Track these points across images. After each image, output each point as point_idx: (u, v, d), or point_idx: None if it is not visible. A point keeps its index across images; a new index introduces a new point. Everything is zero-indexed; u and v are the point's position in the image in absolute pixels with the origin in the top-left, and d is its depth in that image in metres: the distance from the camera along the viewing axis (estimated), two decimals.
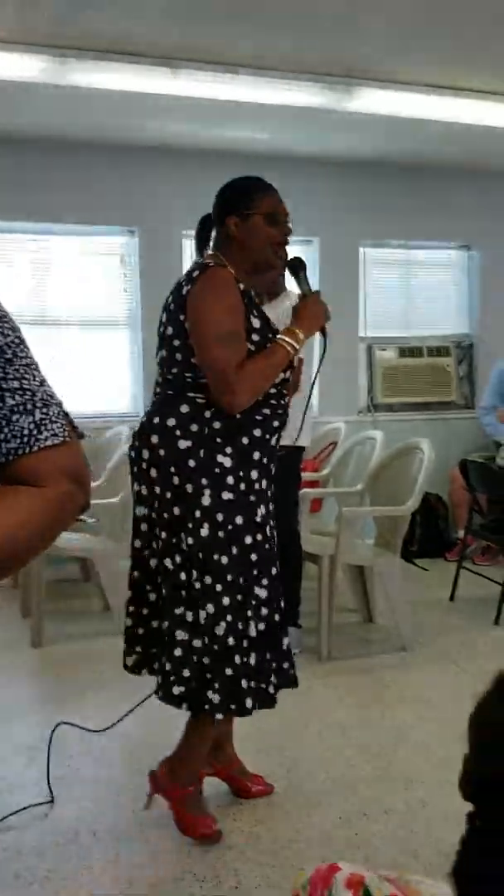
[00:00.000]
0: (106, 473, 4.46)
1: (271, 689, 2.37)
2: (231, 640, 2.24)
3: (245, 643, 2.27)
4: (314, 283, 5.71)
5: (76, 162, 5.10)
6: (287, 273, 2.58)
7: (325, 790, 2.65)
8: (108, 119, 4.63)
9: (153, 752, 2.88)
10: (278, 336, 2.32)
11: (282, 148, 5.22)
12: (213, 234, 2.43)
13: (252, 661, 2.29)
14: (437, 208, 5.82)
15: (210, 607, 2.23)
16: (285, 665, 2.40)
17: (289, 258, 2.49)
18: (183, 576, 2.25)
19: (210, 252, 2.40)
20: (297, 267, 2.51)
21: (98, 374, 5.36)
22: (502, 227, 6.03)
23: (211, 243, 2.44)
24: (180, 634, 2.26)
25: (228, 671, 2.23)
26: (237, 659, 2.25)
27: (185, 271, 2.35)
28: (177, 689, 2.27)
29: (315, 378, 2.67)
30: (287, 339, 2.31)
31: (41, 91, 4.08)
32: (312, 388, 2.74)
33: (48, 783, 2.64)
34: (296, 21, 3.47)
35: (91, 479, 1.10)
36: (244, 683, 2.26)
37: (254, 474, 2.30)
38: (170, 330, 2.29)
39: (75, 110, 4.46)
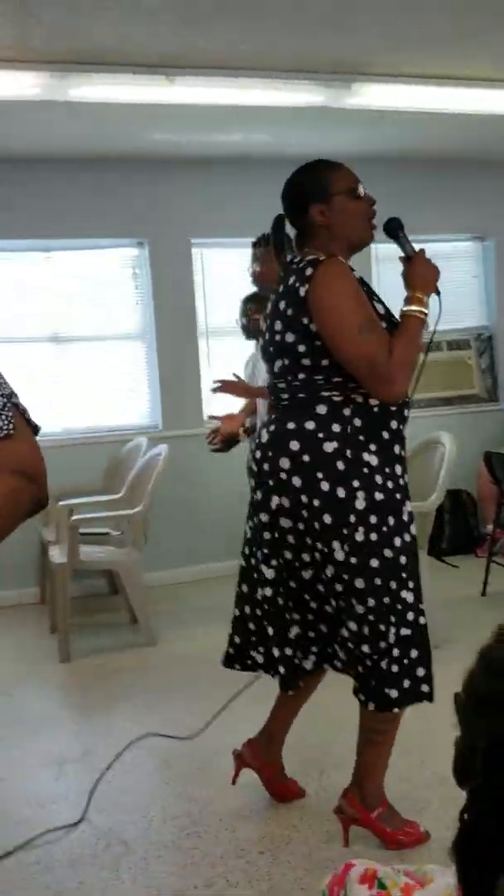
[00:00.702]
0: (127, 485, 4.45)
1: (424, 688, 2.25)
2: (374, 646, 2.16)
3: (383, 645, 2.16)
4: None
5: (81, 177, 5.13)
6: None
7: None
8: (110, 131, 4.65)
9: (182, 762, 2.85)
10: (405, 309, 2.19)
11: (285, 149, 5.19)
12: (291, 232, 2.35)
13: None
14: (449, 200, 5.76)
15: (360, 608, 2.14)
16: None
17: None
18: (339, 587, 2.13)
19: (303, 249, 2.25)
20: (395, 228, 2.30)
21: (114, 388, 5.36)
22: None
23: (291, 242, 2.35)
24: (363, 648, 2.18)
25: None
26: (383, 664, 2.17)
27: (293, 274, 2.18)
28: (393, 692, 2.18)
29: (431, 340, 2.45)
30: (414, 307, 2.18)
31: (42, 108, 4.11)
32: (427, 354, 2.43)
33: (88, 801, 2.61)
34: (290, 20, 3.45)
35: (45, 473, 1.05)
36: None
37: (398, 469, 2.19)
38: (290, 337, 2.14)
39: (77, 125, 4.49)
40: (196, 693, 3.48)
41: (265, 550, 2.24)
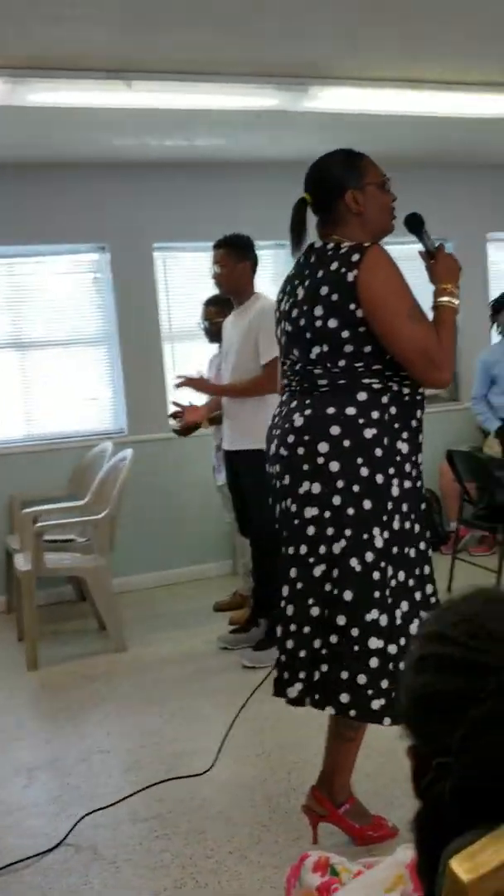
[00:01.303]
0: (92, 490, 4.44)
1: None
2: None
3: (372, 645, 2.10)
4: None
5: (41, 182, 5.09)
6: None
7: None
8: (70, 136, 4.63)
9: (152, 765, 2.86)
10: (438, 300, 2.21)
11: (245, 153, 5.24)
12: (309, 217, 2.31)
13: None
14: (408, 203, 5.81)
15: (404, 605, 2.11)
16: None
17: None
18: (377, 575, 2.07)
19: (329, 235, 2.23)
20: (417, 223, 2.34)
21: (78, 393, 5.34)
22: (475, 217, 6.04)
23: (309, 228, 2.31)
24: (375, 643, 2.07)
25: None
26: None
27: (326, 261, 2.15)
28: (376, 704, 2.07)
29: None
30: (445, 298, 2.20)
31: (0, 113, 4.09)
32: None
33: (57, 808, 2.60)
34: (245, 24, 3.47)
35: None
36: None
37: (420, 458, 2.20)
38: (332, 323, 2.10)
39: (36, 130, 4.47)
40: (166, 698, 3.49)
41: (285, 535, 2.20)
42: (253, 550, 4.00)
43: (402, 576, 2.12)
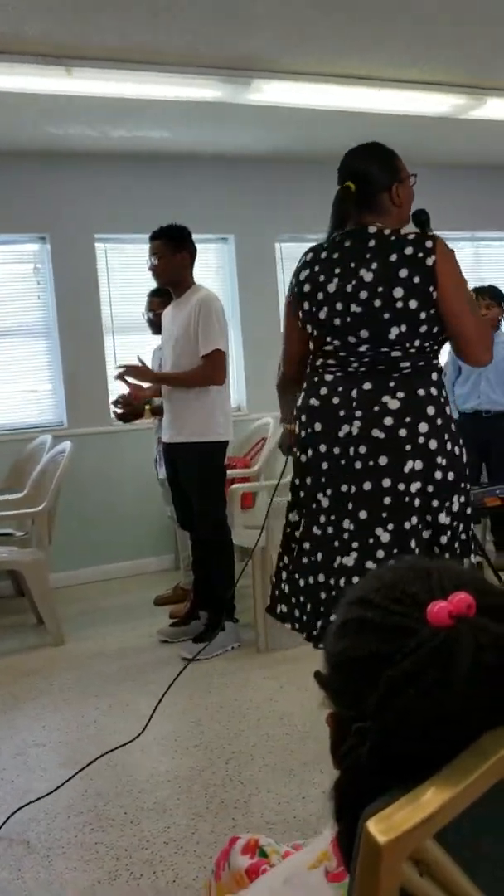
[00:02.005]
0: (30, 483, 4.37)
1: None
2: None
3: None
4: (232, 280, 5.72)
5: None
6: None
7: (262, 778, 2.62)
8: (9, 124, 4.55)
9: (87, 757, 2.82)
10: None
11: (189, 146, 5.21)
12: (344, 205, 2.34)
13: None
14: None
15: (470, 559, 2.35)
16: None
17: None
18: (464, 536, 2.31)
19: (368, 222, 2.29)
20: (426, 219, 2.40)
21: (17, 385, 5.25)
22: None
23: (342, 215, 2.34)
24: None
25: None
26: None
27: (380, 247, 2.22)
28: None
29: None
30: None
31: None
32: None
33: None
34: (188, 13, 3.45)
35: None
36: None
37: None
38: (413, 304, 2.17)
39: None
40: (103, 691, 3.45)
41: (384, 515, 2.20)
42: (194, 544, 3.99)
43: (469, 533, 2.34)
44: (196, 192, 5.46)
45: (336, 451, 2.25)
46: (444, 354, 2.45)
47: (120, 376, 3.81)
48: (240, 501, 4.57)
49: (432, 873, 0.67)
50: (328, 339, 2.30)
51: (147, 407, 4.03)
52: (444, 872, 0.68)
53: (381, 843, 0.63)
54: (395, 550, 2.22)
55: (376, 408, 2.20)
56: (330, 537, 2.29)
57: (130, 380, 3.81)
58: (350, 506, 2.24)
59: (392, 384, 2.21)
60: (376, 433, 2.20)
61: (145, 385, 3.89)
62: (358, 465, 2.22)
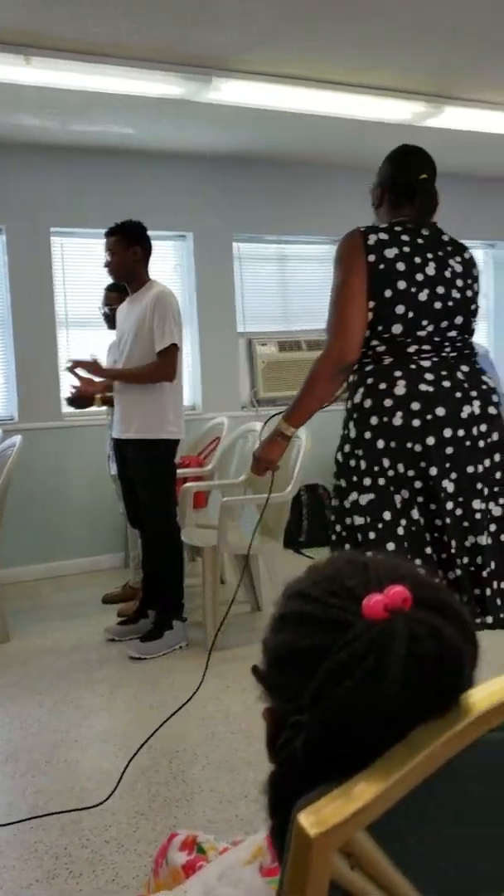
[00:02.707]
0: None
1: None
2: None
3: None
4: (190, 278, 5.70)
5: None
6: None
7: (206, 776, 2.61)
8: None
9: (28, 755, 2.78)
10: None
11: (150, 142, 5.18)
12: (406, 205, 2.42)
13: None
14: (311, 202, 5.90)
15: None
16: None
17: None
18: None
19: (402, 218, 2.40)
20: None
21: None
22: (365, 221, 6.13)
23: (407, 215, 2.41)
24: None
25: None
26: None
27: (447, 242, 2.38)
28: None
29: None
30: None
31: None
32: None
33: None
34: (151, 8, 3.43)
35: None
36: None
37: None
38: (469, 293, 2.34)
39: None
40: (49, 688, 3.41)
41: (496, 489, 2.31)
42: (143, 542, 3.96)
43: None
44: (156, 188, 5.44)
45: (461, 432, 2.24)
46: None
47: (70, 369, 3.77)
48: (192, 500, 4.56)
49: (363, 866, 0.67)
50: (424, 323, 2.26)
51: (97, 397, 3.99)
52: (374, 865, 0.68)
53: (311, 836, 0.63)
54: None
55: (483, 387, 2.30)
56: (459, 519, 2.26)
57: (81, 372, 3.77)
58: (478, 485, 2.26)
59: (478, 367, 2.36)
60: (492, 410, 2.30)
61: (97, 379, 3.85)
62: (481, 443, 2.27)
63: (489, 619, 2.26)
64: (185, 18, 3.53)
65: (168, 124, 4.83)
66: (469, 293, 2.33)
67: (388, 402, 2.22)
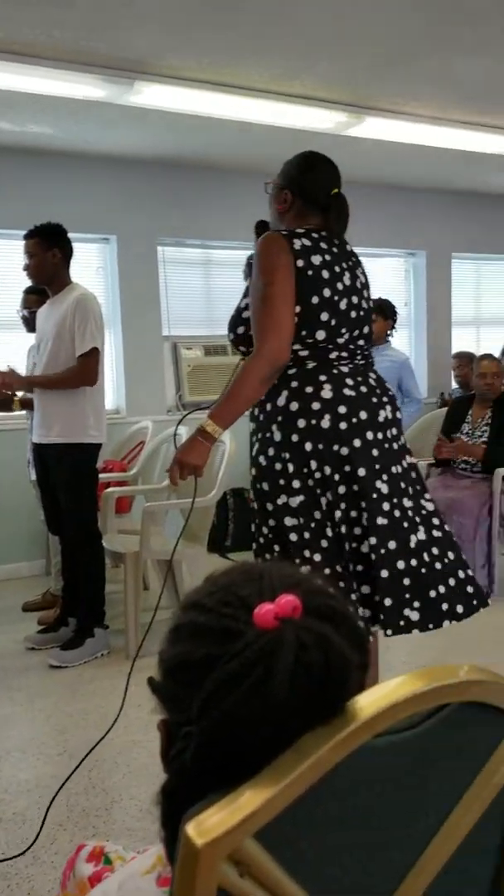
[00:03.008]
0: None
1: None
2: None
3: None
4: (113, 281, 5.66)
5: None
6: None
7: (125, 784, 2.59)
8: None
9: None
10: None
11: (72, 144, 5.13)
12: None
13: None
14: (236, 208, 5.91)
15: None
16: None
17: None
18: None
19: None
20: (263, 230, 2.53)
21: None
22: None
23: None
24: None
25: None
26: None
27: None
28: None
29: None
30: None
31: None
32: None
33: None
34: (71, 10, 3.40)
35: None
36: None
37: None
38: (368, 304, 2.45)
39: None
40: None
41: (418, 488, 2.45)
42: (64, 548, 3.91)
43: None
44: (79, 190, 5.38)
45: (380, 435, 2.33)
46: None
47: None
48: (115, 506, 4.52)
49: (252, 873, 0.68)
50: (343, 331, 2.32)
51: (15, 399, 3.93)
52: (263, 872, 0.69)
53: (198, 846, 0.64)
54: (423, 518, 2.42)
55: (390, 392, 2.42)
56: (398, 521, 2.31)
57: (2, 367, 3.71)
58: (402, 485, 2.36)
59: (379, 374, 2.47)
60: (399, 415, 2.43)
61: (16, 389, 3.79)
62: (395, 445, 2.37)
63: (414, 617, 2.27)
64: (109, 19, 3.51)
65: (92, 126, 4.79)
66: (368, 304, 2.44)
67: (315, 406, 2.26)
